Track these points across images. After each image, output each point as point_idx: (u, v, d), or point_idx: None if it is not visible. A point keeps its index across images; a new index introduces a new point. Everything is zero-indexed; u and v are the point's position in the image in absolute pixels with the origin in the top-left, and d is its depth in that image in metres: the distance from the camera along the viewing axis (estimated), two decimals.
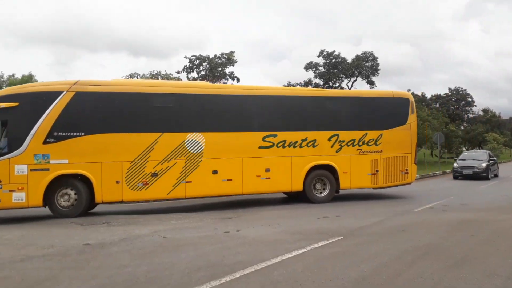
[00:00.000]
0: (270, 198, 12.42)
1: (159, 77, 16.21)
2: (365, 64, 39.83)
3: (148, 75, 16.51)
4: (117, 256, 5.98)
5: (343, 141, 11.64)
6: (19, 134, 9.31)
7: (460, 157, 23.24)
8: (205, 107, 10.68)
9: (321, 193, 11.73)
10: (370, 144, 11.86)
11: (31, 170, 9.30)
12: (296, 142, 11.26)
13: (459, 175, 20.74)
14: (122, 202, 10.53)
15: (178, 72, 16.44)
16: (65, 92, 9.64)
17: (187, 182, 10.36)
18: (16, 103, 9.32)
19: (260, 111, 11.18)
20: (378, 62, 39.96)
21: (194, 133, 10.45)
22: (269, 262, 5.37)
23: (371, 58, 39.73)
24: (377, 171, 11.93)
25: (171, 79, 16.24)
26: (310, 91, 14.59)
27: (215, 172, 10.56)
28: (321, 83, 41.27)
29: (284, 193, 12.78)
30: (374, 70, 40.02)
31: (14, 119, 9.33)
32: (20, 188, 9.24)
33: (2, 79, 24.41)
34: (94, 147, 9.76)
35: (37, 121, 9.39)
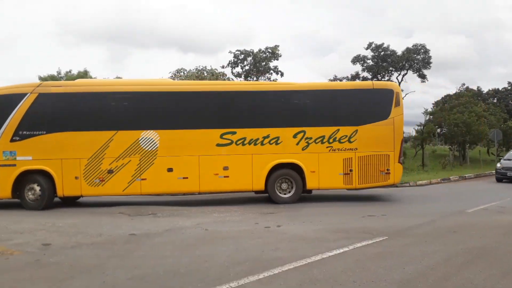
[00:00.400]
0: (313, 196, 12.22)
1: (205, 72, 16.48)
2: (416, 57, 38.09)
3: (194, 71, 16.85)
4: (160, 247, 6.14)
5: (311, 138, 10.76)
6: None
7: (506, 156, 20.50)
8: (159, 104, 10.67)
9: (286, 193, 10.95)
10: (342, 141, 10.80)
11: (0, 165, 10.07)
12: (258, 139, 10.68)
13: (503, 177, 17.86)
14: (81, 196, 10.92)
15: (222, 67, 16.64)
16: (29, 93, 10.23)
17: (142, 179, 10.43)
18: None
19: (217, 108, 10.86)
20: (430, 54, 38.05)
21: (148, 130, 10.45)
22: (309, 260, 5.27)
23: (422, 50, 37.92)
24: (351, 170, 10.82)
25: (216, 74, 16.45)
26: (274, 85, 13.32)
27: (170, 169, 10.48)
28: (369, 76, 40.07)
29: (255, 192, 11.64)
30: (426, 63, 38.17)
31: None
32: None
33: (59, 75, 25.93)
34: (55, 145, 10.23)
35: (5, 121, 10.09)
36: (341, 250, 5.78)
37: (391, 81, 40.17)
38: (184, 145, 10.56)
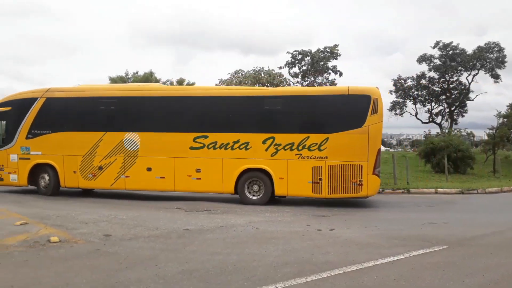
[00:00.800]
0: (371, 201, 11.80)
1: (262, 73, 16.57)
2: (489, 56, 35.47)
3: (251, 72, 17.00)
4: (212, 243, 6.28)
5: (280, 145, 10.53)
6: (12, 131, 12.06)
7: None
8: (140, 108, 11.45)
9: (255, 195, 10.87)
10: (312, 149, 10.38)
11: (19, 158, 12.01)
12: (228, 144, 10.79)
13: None
14: (78, 188, 12.15)
15: (280, 68, 16.57)
16: (39, 98, 11.88)
17: (126, 176, 11.35)
18: (9, 108, 12.10)
19: (191, 112, 11.22)
20: (505, 53, 35.26)
21: (131, 132, 11.29)
22: (360, 266, 5.09)
23: (496, 49, 35.23)
24: (320, 179, 10.37)
25: (273, 75, 16.47)
26: (245, 90, 13.17)
27: (149, 169, 11.19)
28: (436, 76, 37.98)
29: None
30: (500, 62, 35.40)
31: (9, 120, 12.18)
32: (14, 171, 12.09)
33: (127, 76, 27.48)
34: (58, 143, 11.75)
35: (22, 121, 11.92)
36: (396, 258, 5.51)
37: (460, 81, 37.75)
38: (161, 147, 11.19)
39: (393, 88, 39.27)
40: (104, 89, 12.52)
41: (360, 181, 10.17)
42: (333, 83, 15.76)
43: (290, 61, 16.44)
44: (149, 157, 11.24)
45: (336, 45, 16.50)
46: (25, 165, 11.92)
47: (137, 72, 27.83)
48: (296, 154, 10.47)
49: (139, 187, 11.76)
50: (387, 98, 40.05)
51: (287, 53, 16.94)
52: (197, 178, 10.99)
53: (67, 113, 11.81)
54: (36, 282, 4.40)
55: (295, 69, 16.63)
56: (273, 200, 10.96)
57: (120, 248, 5.89)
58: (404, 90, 39.09)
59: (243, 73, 17.46)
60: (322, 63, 15.74)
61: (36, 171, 11.95)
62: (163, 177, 11.16)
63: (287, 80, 16.58)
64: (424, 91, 39.45)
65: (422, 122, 41.05)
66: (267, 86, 17.23)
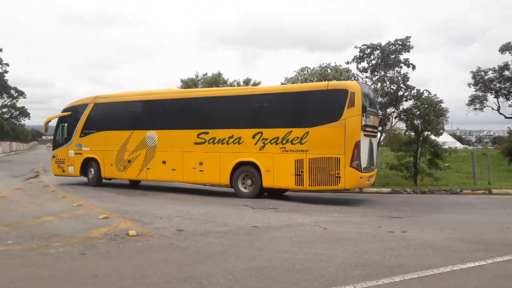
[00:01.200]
0: (448, 201, 11.09)
1: (328, 69, 16.19)
2: None
3: (317, 68, 16.70)
4: (279, 241, 6.29)
5: (267, 139, 11.18)
6: (71, 131, 14.95)
7: None
8: (157, 109, 13.29)
9: (248, 188, 11.59)
10: (294, 142, 10.79)
11: (75, 153, 14.79)
12: (224, 139, 11.77)
13: None
14: (113, 179, 14.54)
15: (347, 63, 16.03)
16: (89, 104, 14.64)
17: (147, 168, 13.12)
18: (70, 112, 15.18)
19: (196, 111, 12.62)
20: None
21: (151, 130, 13.06)
22: (436, 270, 4.78)
23: None
24: (302, 172, 10.68)
25: (340, 70, 16.06)
26: (238, 90, 14.65)
27: (164, 162, 12.76)
28: None
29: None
30: None
31: (69, 122, 15.09)
32: (71, 164, 14.89)
33: (197, 78, 28.57)
34: (100, 140, 14.20)
35: (78, 123, 14.74)
36: (476, 263, 5.10)
37: None
38: (173, 142, 12.69)
39: (471, 81, 36.45)
40: (134, 95, 14.30)
41: (338, 173, 10.32)
42: (405, 77, 14.98)
43: (358, 56, 15.88)
44: (164, 152, 12.81)
45: (408, 37, 15.52)
46: (78, 159, 14.70)
47: (206, 74, 28.82)
48: (280, 148, 11.03)
49: (157, 178, 13.43)
50: (464, 92, 37.34)
51: (355, 47, 16.39)
52: (200, 171, 12.18)
53: (106, 115, 14.31)
54: (116, 273, 4.72)
55: (364, 64, 16.02)
56: (262, 193, 11.54)
57: (191, 242, 6.13)
58: (485, 83, 36.00)
59: (308, 70, 17.24)
60: (393, 56, 15.01)
61: (86, 164, 14.63)
62: (174, 169, 12.59)
63: (355, 75, 16.06)
64: (508, 83, 36.06)
65: (506, 117, 37.57)
66: None
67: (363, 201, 11.62)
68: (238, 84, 28.22)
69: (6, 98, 60.08)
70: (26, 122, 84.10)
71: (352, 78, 16.30)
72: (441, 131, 15.46)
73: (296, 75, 17.48)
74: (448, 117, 15.39)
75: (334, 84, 11.23)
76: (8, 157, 43.60)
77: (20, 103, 70.06)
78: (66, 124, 15.15)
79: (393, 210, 9.71)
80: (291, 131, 10.88)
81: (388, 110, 16.27)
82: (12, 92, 58.72)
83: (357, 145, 10.24)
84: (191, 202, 10.75)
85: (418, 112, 14.79)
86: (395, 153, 16.05)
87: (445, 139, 30.52)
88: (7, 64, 40.49)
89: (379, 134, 13.19)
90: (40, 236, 6.42)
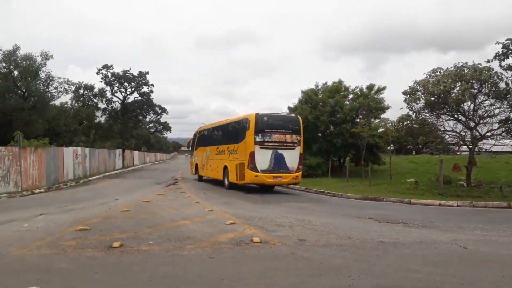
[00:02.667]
0: None
1: (465, 69, 14.42)
2: None
3: (452, 69, 15.02)
4: (409, 259, 5.76)
5: (230, 150, 17.28)
6: (192, 147, 24.60)
7: None
8: (208, 133, 21.73)
9: (227, 183, 17.42)
10: (234, 152, 16.76)
11: (194, 160, 24.39)
12: (220, 151, 18.71)
13: None
14: (200, 175, 22.47)
15: (488, 62, 14.04)
16: (197, 131, 24.00)
17: (207, 169, 20.87)
18: (193, 136, 24.76)
19: (220, 134, 19.70)
20: None
21: (208, 146, 20.99)
22: None
23: None
24: (237, 172, 16.05)
25: (479, 70, 14.21)
26: (222, 121, 20.56)
27: (210, 166, 20.24)
28: None
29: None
30: None
31: (193, 141, 24.35)
32: (193, 167, 24.34)
33: (317, 88, 28.46)
34: (200, 152, 22.81)
35: (195, 141, 24.04)
36: None
37: None
38: (211, 154, 20.16)
39: None
40: (206, 125, 22.95)
41: (243, 173, 15.55)
42: None
43: (501, 52, 13.81)
44: (210, 159, 20.29)
45: None
46: (193, 164, 23.80)
47: (326, 83, 28.53)
48: (231, 156, 16.99)
49: (211, 176, 20.28)
50: None
51: (496, 43, 14.37)
52: (216, 171, 18.89)
53: (200, 137, 22.99)
54: (240, 278, 4.87)
55: (509, 61, 13.83)
56: (232, 187, 16.93)
57: (313, 254, 6.01)
58: None
59: (441, 71, 15.67)
60: None
61: (196, 167, 23.13)
62: (213, 170, 19.66)
63: (498, 74, 14.02)
64: None
65: None
66: (471, 83, 15.07)
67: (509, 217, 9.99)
68: (361, 91, 27.15)
69: (152, 115, 68.72)
70: (168, 135, 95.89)
71: (495, 77, 14.35)
72: None
73: (427, 77, 16.12)
74: None
75: (244, 116, 16.71)
76: (153, 166, 49.81)
77: (163, 118, 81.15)
78: (191, 142, 24.92)
79: None
80: (234, 146, 16.71)
81: None
82: (157, 109, 66.90)
83: (252, 154, 15.25)
84: (312, 212, 10.62)
85: None
86: None
87: None
88: (153, 85, 46.37)
89: (298, 147, 15.82)
90: (176, 238, 7.04)
